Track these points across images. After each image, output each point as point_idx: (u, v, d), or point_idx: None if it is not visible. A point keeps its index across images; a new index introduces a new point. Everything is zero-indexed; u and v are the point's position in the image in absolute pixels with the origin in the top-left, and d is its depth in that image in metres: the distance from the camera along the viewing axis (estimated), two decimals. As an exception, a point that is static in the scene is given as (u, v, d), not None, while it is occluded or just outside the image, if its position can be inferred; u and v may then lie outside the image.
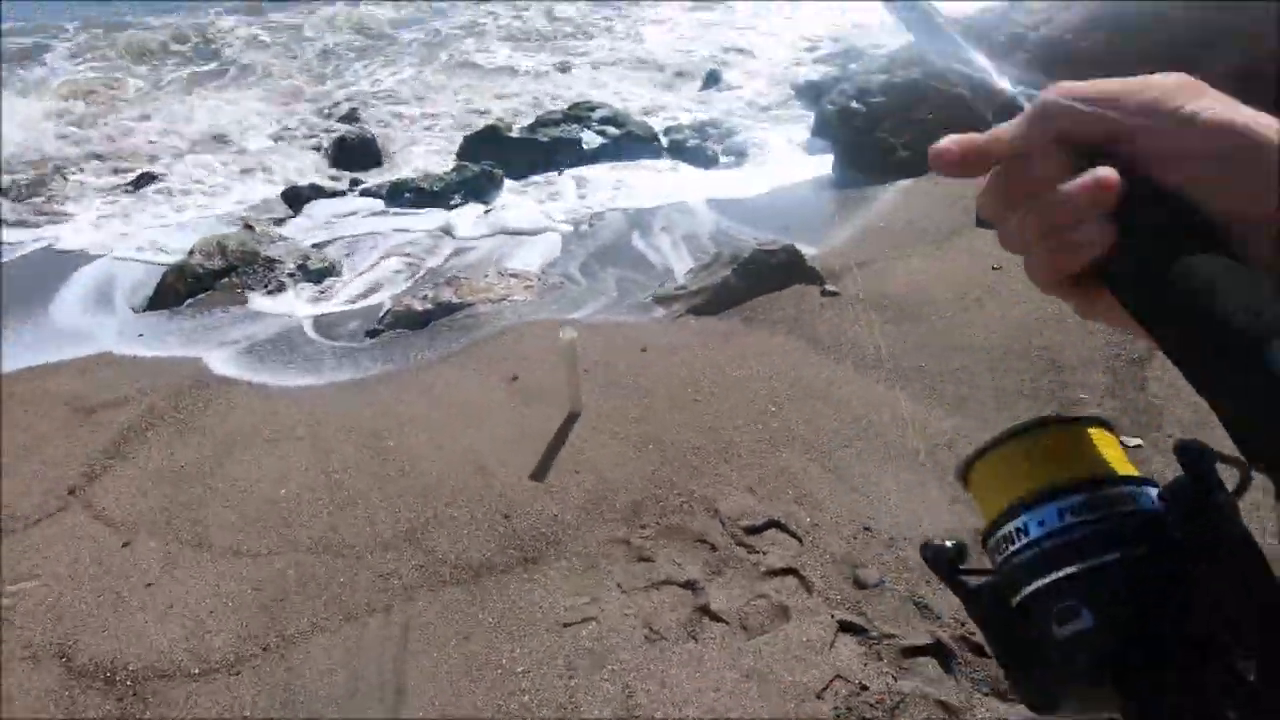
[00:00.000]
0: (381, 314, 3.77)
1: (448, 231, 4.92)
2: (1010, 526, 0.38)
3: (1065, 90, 0.39)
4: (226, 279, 4.14)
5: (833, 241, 4.31)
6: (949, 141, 0.42)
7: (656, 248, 4.65)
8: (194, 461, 2.84)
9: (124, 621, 2.20)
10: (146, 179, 6.11)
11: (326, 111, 7.95)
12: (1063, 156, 0.39)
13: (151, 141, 7.21)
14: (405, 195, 5.43)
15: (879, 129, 5.27)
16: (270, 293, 4.09)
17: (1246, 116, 0.36)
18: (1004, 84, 0.44)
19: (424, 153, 6.84)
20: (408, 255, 4.60)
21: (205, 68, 10.30)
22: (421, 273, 4.42)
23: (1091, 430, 0.40)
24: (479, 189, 5.52)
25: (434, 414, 2.98)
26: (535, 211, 5.25)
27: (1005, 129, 0.41)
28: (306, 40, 11.95)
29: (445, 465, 2.68)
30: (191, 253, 4.22)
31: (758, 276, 3.63)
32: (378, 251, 4.67)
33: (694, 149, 6.28)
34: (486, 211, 5.20)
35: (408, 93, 8.72)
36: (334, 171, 6.39)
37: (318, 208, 5.37)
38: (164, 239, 4.93)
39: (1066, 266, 0.38)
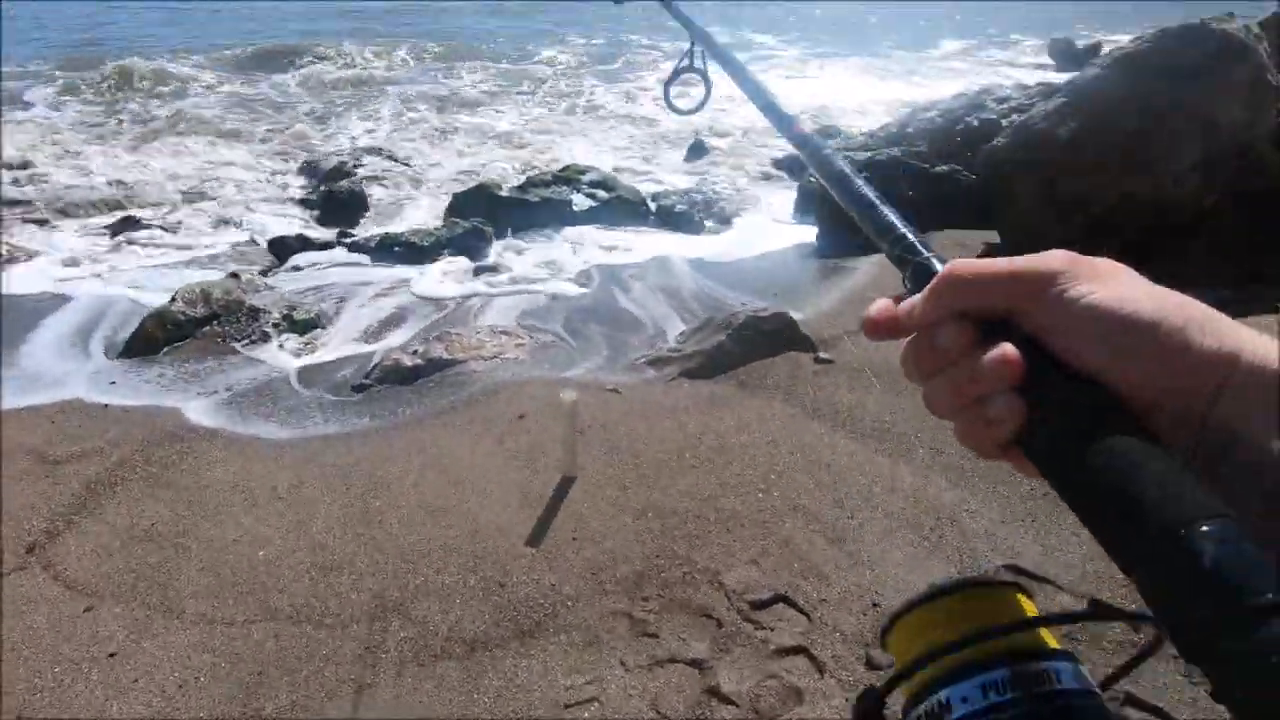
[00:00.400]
0: (369, 368, 3.67)
1: (436, 286, 4.87)
2: (932, 700, 0.36)
3: (964, 266, 0.42)
4: (208, 327, 4.01)
5: (821, 308, 4.36)
6: (874, 311, 0.45)
7: (645, 308, 4.65)
8: (165, 519, 2.67)
9: (83, 695, 2.02)
10: (129, 223, 5.99)
11: (314, 164, 7.95)
12: (967, 327, 0.41)
13: (130, 185, 7.12)
14: (394, 249, 5.39)
15: (862, 203, 5.41)
16: (253, 343, 3.97)
17: (1132, 298, 0.38)
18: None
19: (413, 208, 6.85)
20: (395, 309, 4.53)
21: (190, 113, 10.29)
22: (410, 327, 4.34)
23: (1012, 595, 0.40)
24: (468, 245, 5.51)
25: (424, 474, 2.86)
26: (525, 268, 5.25)
27: (914, 301, 0.43)
28: (295, 93, 12.06)
29: (436, 528, 2.56)
30: (173, 299, 4.10)
31: (751, 342, 3.63)
32: (365, 304, 4.59)
33: (681, 214, 6.38)
34: (476, 268, 5.18)
35: (397, 149, 8.79)
36: (321, 225, 6.34)
37: (304, 259, 5.29)
38: (144, 283, 4.80)
39: (986, 437, 0.40)
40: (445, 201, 6.92)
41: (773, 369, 3.51)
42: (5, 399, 3.54)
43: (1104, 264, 0.41)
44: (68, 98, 11.09)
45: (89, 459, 3.03)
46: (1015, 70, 15.35)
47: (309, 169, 7.93)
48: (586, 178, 6.62)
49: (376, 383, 3.56)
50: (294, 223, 6.44)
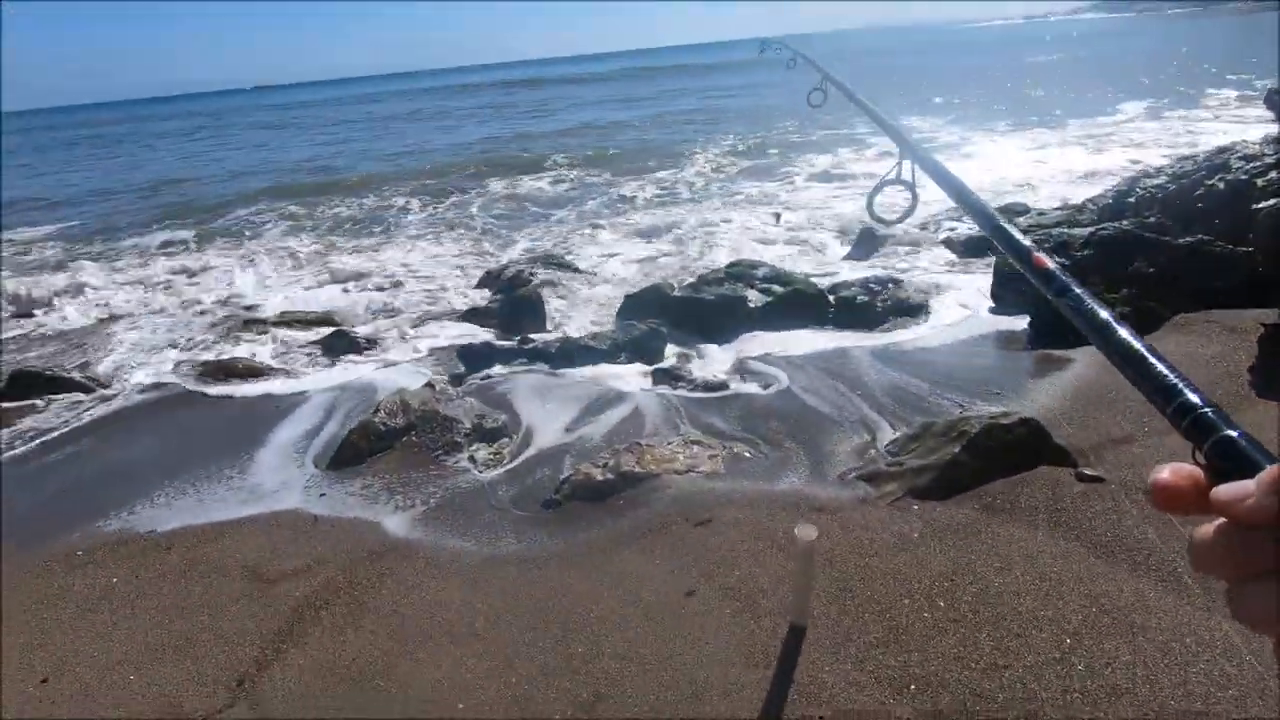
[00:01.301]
0: (560, 481, 3.47)
1: (618, 391, 4.70)
2: None
3: None
4: (407, 437, 4.05)
5: (1057, 409, 3.67)
6: (1173, 476, 0.39)
7: (839, 408, 4.18)
8: (367, 654, 2.51)
9: None
10: (340, 338, 6.47)
11: (495, 274, 8.34)
12: None
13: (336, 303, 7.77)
14: (573, 353, 5.34)
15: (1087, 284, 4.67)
16: (446, 452, 3.93)
17: None
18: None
19: (587, 311, 6.90)
20: (579, 413, 4.38)
21: (382, 236, 11.36)
22: (595, 430, 4.15)
23: None
24: (645, 347, 5.36)
25: (627, 614, 2.53)
26: (704, 370, 4.98)
27: (1244, 489, 0.36)
28: (472, 214, 13.03)
29: (649, 684, 2.19)
30: (375, 410, 4.20)
31: (992, 454, 3.05)
32: (550, 410, 4.49)
33: (863, 306, 5.91)
34: (655, 370, 4.98)
35: (568, 255, 9.08)
36: (504, 331, 6.52)
37: (492, 366, 5.37)
38: (353, 389, 5.05)
39: None
40: (618, 304, 6.94)
41: (1025, 489, 2.90)
42: (232, 510, 3.68)
43: None
44: (294, 226, 12.68)
45: (299, 578, 3.00)
46: (1224, 124, 13.68)
47: (490, 279, 8.33)
48: (759, 273, 6.37)
49: (567, 498, 3.34)
50: (479, 330, 6.67)
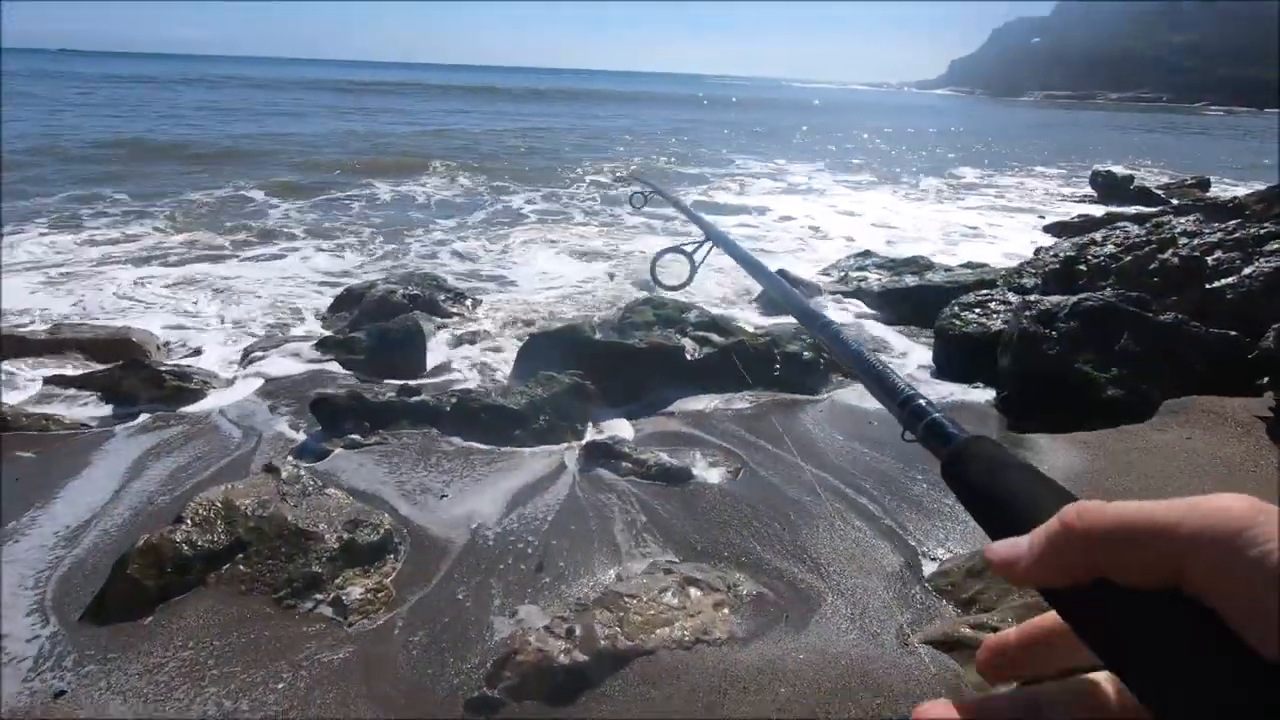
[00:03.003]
0: (494, 663, 2.18)
1: (553, 484, 3.44)
2: None
3: (1092, 514, 0.30)
4: (230, 564, 2.54)
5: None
6: (990, 645, 0.38)
7: (836, 509, 3.25)
8: None
9: None
10: (133, 373, 4.63)
11: (356, 292, 6.70)
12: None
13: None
14: (475, 414, 4.00)
15: (1078, 360, 4.12)
16: (298, 593, 2.49)
17: None
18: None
19: (483, 351, 5.54)
20: (507, 526, 3.08)
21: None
22: (531, 550, 2.88)
23: None
24: (567, 409, 4.14)
25: None
26: (650, 446, 3.85)
27: (1019, 546, 0.33)
28: (338, 216, 11.07)
29: None
30: (179, 517, 2.65)
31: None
32: (456, 506, 3.14)
33: (810, 363, 5.09)
34: (589, 446, 3.77)
35: (455, 272, 7.61)
36: (370, 374, 5.00)
37: (359, 427, 3.88)
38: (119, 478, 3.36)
39: None
40: (512, 342, 5.66)
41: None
42: None
43: None
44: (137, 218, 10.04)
45: None
46: (1064, 204, 14.82)
47: (349, 300, 6.68)
48: (690, 316, 5.36)
49: (510, 696, 2.06)
50: (336, 369, 5.10)
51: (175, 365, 4.99)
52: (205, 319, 6.34)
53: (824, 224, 11.63)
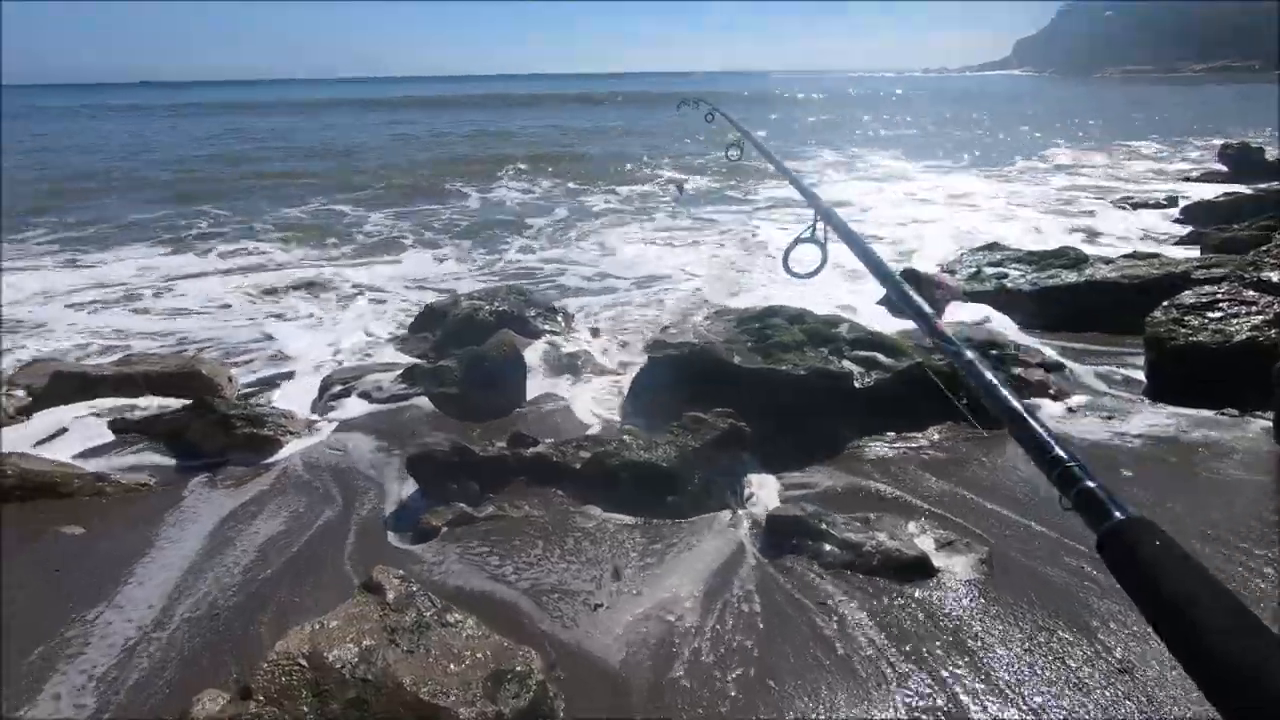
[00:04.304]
0: None
1: (717, 565, 2.52)
2: None
3: None
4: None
5: None
6: None
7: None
8: None
9: None
10: (201, 417, 3.91)
11: (438, 311, 5.93)
12: None
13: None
14: (614, 474, 3.09)
15: None
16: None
17: None
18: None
19: (584, 388, 4.66)
20: (700, 668, 2.17)
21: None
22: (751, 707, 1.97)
23: None
24: (723, 464, 3.20)
25: None
26: (853, 527, 2.87)
27: None
28: (410, 227, 10.43)
29: None
30: (247, 692, 1.84)
31: None
32: (627, 646, 2.25)
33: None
34: (769, 519, 2.83)
35: (540, 290, 6.78)
36: (461, 414, 4.16)
37: (467, 492, 3.03)
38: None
39: None
40: (626, 369, 4.78)
41: None
42: None
43: None
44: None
45: None
46: (1187, 184, 13.14)
47: (429, 319, 5.90)
48: (842, 331, 4.35)
49: None
50: (419, 402, 4.29)
51: (247, 406, 4.26)
52: (286, 339, 5.66)
53: (920, 213, 10.39)
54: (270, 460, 3.74)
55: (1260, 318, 4.03)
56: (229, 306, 6.58)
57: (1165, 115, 27.86)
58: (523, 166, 15.32)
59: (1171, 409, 3.97)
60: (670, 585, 2.44)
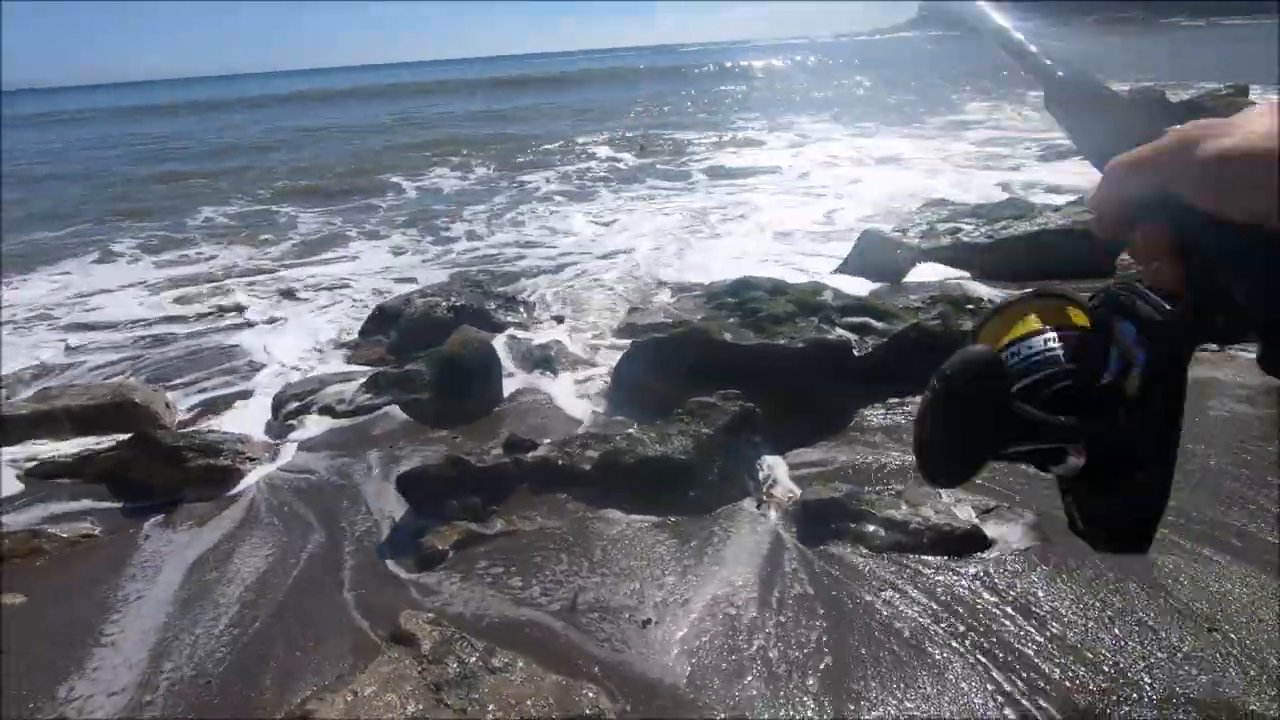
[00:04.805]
0: None
1: (761, 555, 2.34)
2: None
3: (1121, 159, 0.45)
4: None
5: None
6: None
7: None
8: None
9: None
10: (138, 453, 3.45)
11: (389, 313, 5.50)
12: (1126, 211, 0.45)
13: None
14: (635, 474, 2.87)
15: None
16: None
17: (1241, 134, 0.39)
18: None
19: (563, 381, 4.40)
20: (776, 678, 1.99)
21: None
22: None
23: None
24: (739, 450, 3.02)
25: None
26: (930, 512, 2.74)
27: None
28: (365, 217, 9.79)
29: None
30: None
31: None
32: (688, 664, 2.04)
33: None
34: (801, 504, 2.67)
35: (498, 282, 6.42)
36: (437, 419, 3.84)
37: (465, 505, 2.75)
38: None
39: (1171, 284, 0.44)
40: (604, 356, 4.56)
41: None
42: None
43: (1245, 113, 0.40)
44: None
45: None
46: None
47: (381, 321, 5.47)
48: (827, 298, 4.22)
49: None
50: (391, 411, 3.94)
51: (196, 435, 3.82)
52: (226, 354, 5.15)
53: (857, 174, 10.44)
54: (233, 492, 3.36)
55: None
56: (156, 322, 5.97)
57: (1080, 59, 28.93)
58: (453, 154, 14.66)
59: (1149, 349, 4.02)
60: (716, 587, 2.25)
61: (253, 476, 3.47)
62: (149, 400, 4.35)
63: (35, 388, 4.76)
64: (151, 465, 3.50)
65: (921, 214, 7.75)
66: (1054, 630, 1.97)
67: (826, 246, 6.89)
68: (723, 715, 1.77)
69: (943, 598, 2.12)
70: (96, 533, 3.11)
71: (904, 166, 10.84)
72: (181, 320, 5.99)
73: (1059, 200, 7.25)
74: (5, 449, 3.88)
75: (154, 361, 5.18)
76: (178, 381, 4.77)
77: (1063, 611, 2.02)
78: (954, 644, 1.96)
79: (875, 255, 6.25)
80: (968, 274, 5.98)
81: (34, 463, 3.71)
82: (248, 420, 4.18)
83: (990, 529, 2.36)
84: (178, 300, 6.48)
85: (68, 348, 5.55)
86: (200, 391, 4.64)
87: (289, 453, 3.68)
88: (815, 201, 8.83)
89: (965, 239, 6.50)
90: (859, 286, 5.56)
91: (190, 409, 4.46)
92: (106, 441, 3.80)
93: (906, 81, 24.86)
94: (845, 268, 6.30)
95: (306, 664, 2.09)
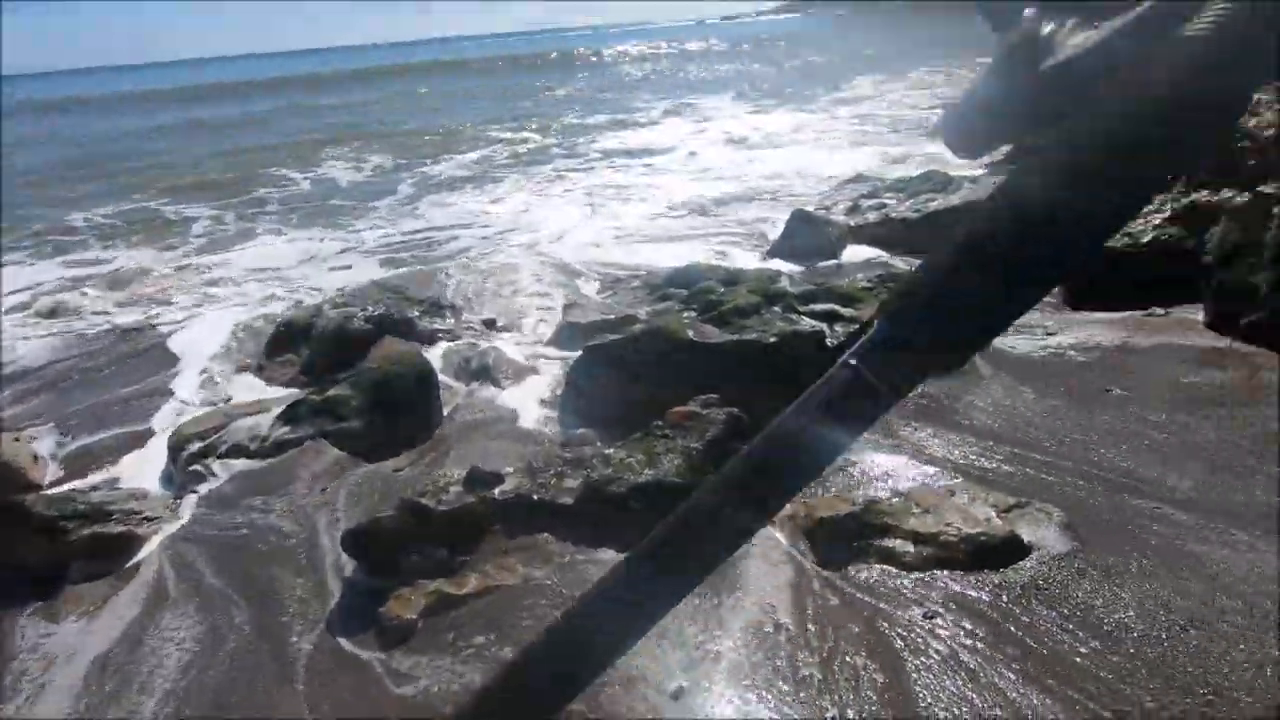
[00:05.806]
0: None
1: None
2: None
3: None
4: None
5: None
6: None
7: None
8: None
9: None
10: None
11: (298, 327, 4.83)
12: None
13: None
14: (625, 505, 2.51)
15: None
16: None
17: None
18: None
19: (515, 393, 3.97)
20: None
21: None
22: None
23: None
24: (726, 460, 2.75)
25: None
26: (960, 523, 2.52)
27: None
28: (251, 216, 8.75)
29: None
30: None
31: None
32: None
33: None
34: (830, 525, 2.40)
35: (415, 288, 5.83)
36: (371, 449, 3.33)
37: (426, 563, 2.31)
38: None
39: None
40: (548, 365, 4.17)
41: None
42: None
43: None
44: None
45: None
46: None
47: (290, 336, 4.80)
48: (788, 286, 3.98)
49: None
50: (317, 446, 3.39)
51: (75, 492, 3.14)
52: (101, 384, 4.36)
53: (760, 154, 10.36)
54: (132, 563, 2.76)
55: (1160, 216, 4.18)
56: (15, 342, 5.03)
57: (947, 37, 30.45)
58: (342, 145, 13.55)
59: (1099, 314, 4.03)
60: (744, 634, 1.95)
61: (154, 542, 2.88)
62: (11, 453, 3.58)
63: None
64: (18, 539, 2.83)
65: (841, 191, 7.69)
66: (1119, 641, 1.79)
67: (740, 225, 6.74)
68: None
69: (998, 622, 1.91)
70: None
71: (808, 143, 10.85)
72: (49, 337, 5.07)
73: (974, 171, 7.37)
74: None
75: (15, 394, 4.32)
76: (48, 422, 3.97)
77: (1124, 619, 1.85)
78: (1019, 671, 1.75)
79: (806, 237, 6.10)
80: (900, 251, 5.92)
81: None
82: (142, 469, 3.52)
83: (1024, 531, 2.17)
84: (48, 314, 5.51)
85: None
86: (79, 434, 3.88)
87: (197, 507, 3.08)
88: (719, 180, 8.67)
89: (893, 214, 6.44)
90: (801, 270, 5.41)
91: (65, 458, 3.72)
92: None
93: (800, 59, 25.27)
94: (778, 251, 6.13)
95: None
